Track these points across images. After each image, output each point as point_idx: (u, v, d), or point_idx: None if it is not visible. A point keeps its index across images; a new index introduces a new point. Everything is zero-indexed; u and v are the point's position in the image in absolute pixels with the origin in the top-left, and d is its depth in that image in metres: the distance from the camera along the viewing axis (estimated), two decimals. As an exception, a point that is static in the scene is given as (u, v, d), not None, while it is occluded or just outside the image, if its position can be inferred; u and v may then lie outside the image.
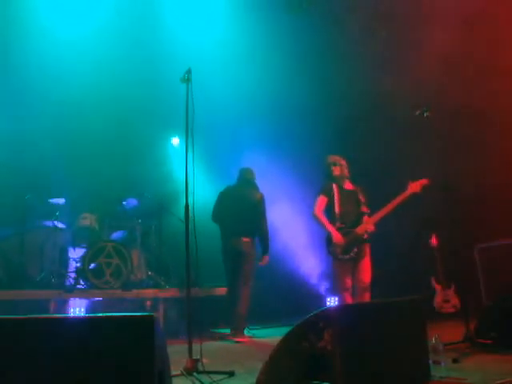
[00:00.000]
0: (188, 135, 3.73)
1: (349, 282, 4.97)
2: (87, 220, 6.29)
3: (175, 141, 8.51)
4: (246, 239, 5.59)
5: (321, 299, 7.46)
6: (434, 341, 3.28)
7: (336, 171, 5.28)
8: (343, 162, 5.33)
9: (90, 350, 2.14)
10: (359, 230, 4.98)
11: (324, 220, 5.09)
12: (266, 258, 5.78)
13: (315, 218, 5.16)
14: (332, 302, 7.29)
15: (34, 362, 2.11)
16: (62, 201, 6.42)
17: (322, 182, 5.36)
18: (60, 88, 6.79)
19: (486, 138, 6.53)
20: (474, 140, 6.60)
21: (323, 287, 7.67)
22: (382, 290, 5.02)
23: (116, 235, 6.79)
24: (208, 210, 6.35)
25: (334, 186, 5.20)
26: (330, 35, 7.54)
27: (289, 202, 7.17)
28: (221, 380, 3.17)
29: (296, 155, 7.80)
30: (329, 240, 5.03)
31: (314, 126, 7.71)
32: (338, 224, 5.03)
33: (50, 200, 6.41)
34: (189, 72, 3.84)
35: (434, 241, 6.23)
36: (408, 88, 6.56)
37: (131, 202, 7.01)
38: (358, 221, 5.04)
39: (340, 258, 4.96)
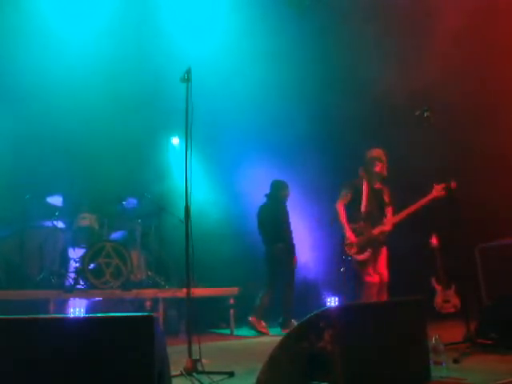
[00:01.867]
0: (188, 135, 3.73)
1: (374, 275, 4.88)
2: (87, 220, 6.29)
3: (175, 141, 8.51)
4: (279, 245, 6.24)
5: (321, 299, 7.45)
6: (434, 341, 3.28)
7: (378, 168, 5.05)
8: (385, 159, 5.10)
9: (90, 349, 2.13)
10: (375, 231, 4.88)
11: (343, 216, 4.97)
12: (295, 260, 6.32)
13: (336, 211, 5.04)
14: (332, 302, 7.28)
15: (34, 362, 2.10)
16: (61, 201, 6.42)
17: (354, 177, 5.17)
18: (60, 88, 6.78)
19: (486, 138, 6.52)
20: (475, 140, 6.59)
21: (324, 288, 7.66)
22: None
23: (116, 235, 6.79)
24: (207, 209, 6.36)
25: (365, 183, 5.02)
26: (331, 34, 7.53)
27: (289, 203, 7.15)
28: (221, 380, 3.16)
29: (296, 155, 7.80)
30: (343, 239, 4.94)
31: (314, 126, 7.70)
32: (362, 223, 4.92)
33: (50, 200, 6.41)
34: (189, 72, 3.83)
35: (434, 241, 6.23)
36: (409, 88, 6.55)
37: (131, 202, 7.00)
38: (379, 222, 4.93)
39: (355, 259, 4.89)
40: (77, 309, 5.47)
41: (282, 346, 2.73)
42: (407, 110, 4.95)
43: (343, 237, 4.96)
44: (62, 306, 5.50)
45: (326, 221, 7.29)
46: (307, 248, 7.61)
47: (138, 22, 7.28)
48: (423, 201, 4.85)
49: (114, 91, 7.10)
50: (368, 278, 4.88)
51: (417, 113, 4.68)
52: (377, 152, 5.11)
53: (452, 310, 5.97)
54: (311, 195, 7.38)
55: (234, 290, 6.32)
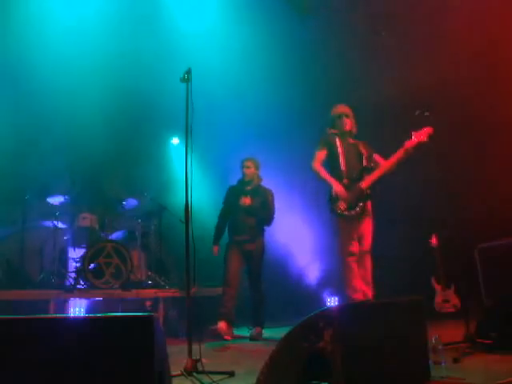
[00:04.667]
0: (188, 135, 3.73)
1: (355, 244, 4.59)
2: (87, 220, 6.30)
3: (175, 141, 8.51)
4: None
5: (321, 299, 7.46)
6: (433, 341, 3.27)
7: (348, 125, 4.81)
8: (352, 114, 4.86)
9: (90, 350, 2.14)
10: (363, 184, 4.63)
11: (323, 172, 4.72)
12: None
13: (314, 171, 4.77)
14: (332, 302, 7.29)
15: (34, 363, 2.10)
16: (61, 201, 6.43)
17: (324, 134, 4.92)
18: (59, 88, 6.79)
19: (487, 139, 6.53)
20: (476, 140, 6.60)
21: (323, 288, 7.67)
22: (382, 289, 5.02)
23: (116, 235, 6.80)
24: (208, 209, 6.36)
25: (338, 139, 4.78)
26: (331, 35, 7.53)
27: (288, 202, 7.16)
28: (221, 380, 3.16)
29: (298, 156, 7.79)
30: (331, 195, 4.67)
31: (314, 125, 7.70)
32: (344, 180, 4.66)
33: (50, 200, 6.41)
34: (189, 72, 3.83)
35: (434, 241, 6.22)
36: (409, 90, 6.56)
37: (131, 202, 7.01)
38: (361, 176, 4.68)
39: (345, 215, 4.59)
40: (77, 309, 5.48)
41: (282, 346, 2.73)
42: (407, 109, 4.91)
43: (331, 193, 4.66)
44: (62, 305, 5.51)
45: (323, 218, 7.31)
46: (307, 248, 7.62)
47: (138, 22, 7.28)
48: (404, 148, 4.57)
49: (114, 91, 7.11)
50: (351, 246, 4.56)
51: (417, 112, 4.65)
52: (342, 108, 4.87)
53: (452, 309, 5.96)
54: (312, 196, 7.39)
55: (234, 290, 6.30)
